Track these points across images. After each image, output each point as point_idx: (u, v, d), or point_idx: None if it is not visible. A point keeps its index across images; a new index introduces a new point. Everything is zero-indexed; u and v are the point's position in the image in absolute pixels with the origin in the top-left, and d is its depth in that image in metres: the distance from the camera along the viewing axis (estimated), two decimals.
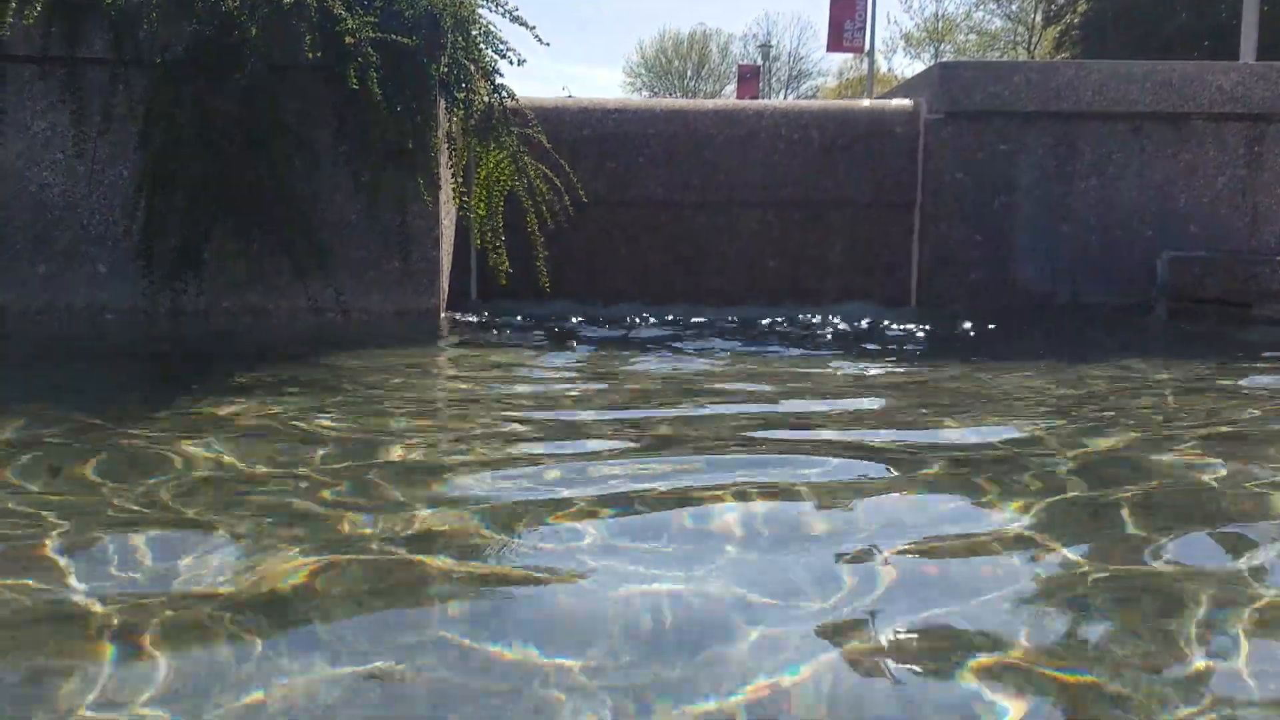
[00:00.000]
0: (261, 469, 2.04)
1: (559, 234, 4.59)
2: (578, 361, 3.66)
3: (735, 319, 4.87)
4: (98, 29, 4.12)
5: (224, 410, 2.57)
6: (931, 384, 3.25)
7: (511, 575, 1.49)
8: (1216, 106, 5.15)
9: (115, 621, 1.29)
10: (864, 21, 26.22)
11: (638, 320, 4.80)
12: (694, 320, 4.82)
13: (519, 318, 4.68)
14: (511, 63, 4.39)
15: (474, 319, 4.66)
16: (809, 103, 6.16)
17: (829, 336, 4.49)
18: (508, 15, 4.37)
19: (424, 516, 1.73)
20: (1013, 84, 5.18)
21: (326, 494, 1.86)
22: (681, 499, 1.82)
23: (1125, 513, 1.80)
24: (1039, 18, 39.54)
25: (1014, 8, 42.15)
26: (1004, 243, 5.25)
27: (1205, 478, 2.03)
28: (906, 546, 1.60)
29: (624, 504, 1.79)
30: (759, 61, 45.25)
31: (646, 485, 1.91)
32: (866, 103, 5.95)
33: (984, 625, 1.32)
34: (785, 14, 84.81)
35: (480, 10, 4.34)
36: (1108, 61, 5.31)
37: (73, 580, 1.44)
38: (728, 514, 1.75)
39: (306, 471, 2.01)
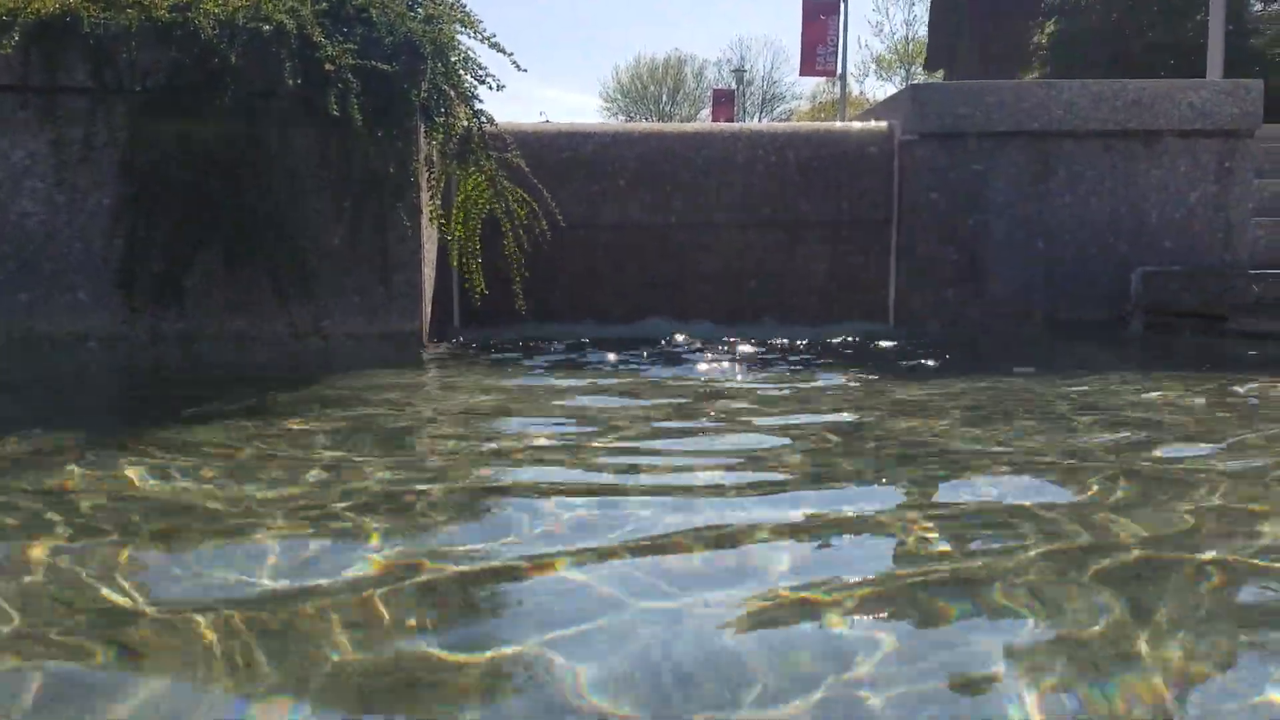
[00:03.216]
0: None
1: (542, 256, 4.61)
2: (559, 382, 3.67)
3: (716, 337, 4.89)
4: (77, 57, 4.12)
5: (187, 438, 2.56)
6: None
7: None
8: (1187, 123, 5.24)
9: None
10: (836, 46, 26.43)
11: (616, 339, 4.81)
12: (676, 339, 4.83)
13: (503, 339, 4.70)
14: (491, 88, 4.42)
15: (457, 342, 4.67)
16: (785, 125, 6.26)
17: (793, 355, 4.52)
18: (486, 42, 4.41)
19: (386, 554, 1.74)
20: (985, 105, 5.25)
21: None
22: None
23: None
24: None
25: None
26: (980, 260, 5.30)
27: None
28: None
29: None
30: (733, 86, 45.56)
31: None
32: (842, 125, 6.02)
33: None
34: (758, 39, 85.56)
35: (459, 37, 4.36)
36: (1078, 81, 5.39)
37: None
38: None
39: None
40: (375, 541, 1.72)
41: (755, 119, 48.10)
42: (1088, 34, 29.93)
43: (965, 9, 7.04)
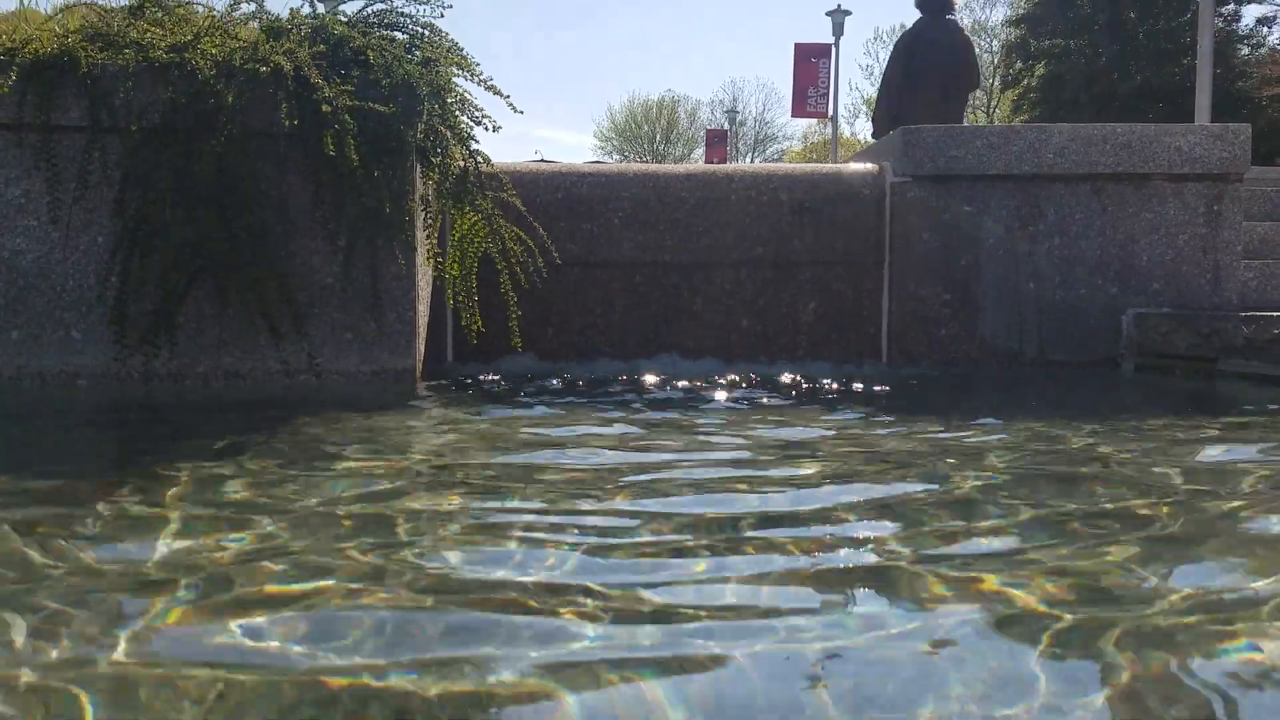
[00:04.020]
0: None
1: (535, 294, 4.63)
2: (558, 421, 3.67)
3: (709, 375, 4.88)
4: (73, 96, 4.14)
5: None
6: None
7: None
8: (1176, 167, 5.28)
9: None
10: (827, 88, 26.82)
11: (610, 377, 4.81)
12: (668, 377, 4.82)
13: (496, 377, 4.69)
14: (487, 129, 4.45)
15: (451, 379, 4.67)
16: (778, 166, 6.30)
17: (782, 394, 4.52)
18: (483, 84, 4.44)
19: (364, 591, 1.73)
20: (975, 148, 5.29)
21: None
22: None
23: None
24: (997, 82, 40.59)
25: None
26: (970, 301, 5.33)
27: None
28: None
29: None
30: (726, 126, 45.99)
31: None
32: (834, 166, 6.07)
33: None
34: (751, 81, 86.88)
35: (456, 79, 4.40)
36: (1068, 125, 5.44)
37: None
38: None
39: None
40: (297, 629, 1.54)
41: (748, 158, 48.53)
42: (1077, 76, 30.37)
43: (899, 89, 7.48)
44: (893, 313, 5.40)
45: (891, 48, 8.34)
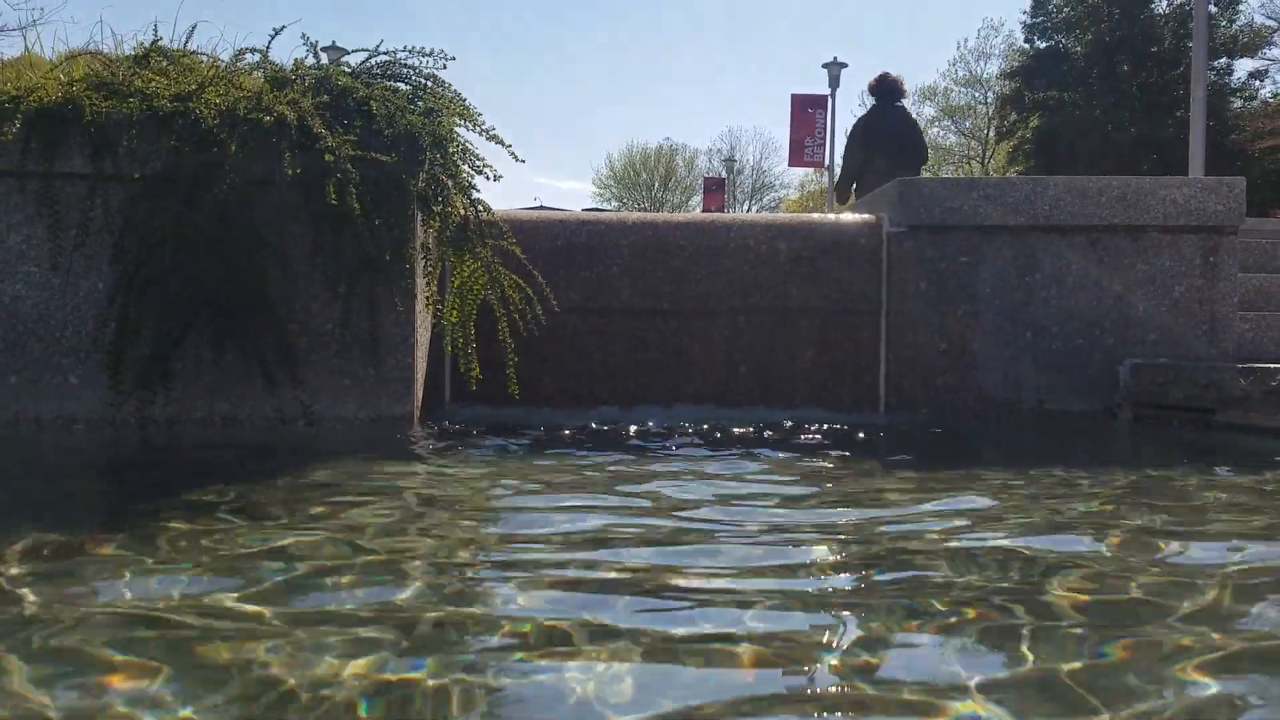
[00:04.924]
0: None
1: (534, 341, 4.63)
2: (554, 474, 3.65)
3: (706, 424, 4.88)
4: (77, 144, 4.17)
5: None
6: None
7: None
8: (1171, 219, 5.31)
9: None
10: (823, 138, 27.11)
11: (607, 425, 4.80)
12: (666, 424, 4.82)
13: (493, 424, 4.68)
14: (488, 178, 4.48)
15: (448, 426, 4.66)
16: (776, 216, 6.36)
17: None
18: (484, 134, 4.48)
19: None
20: (971, 199, 5.33)
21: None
22: None
23: None
24: (992, 133, 41.02)
25: (968, 125, 43.74)
26: (968, 350, 5.33)
27: None
28: None
29: None
30: (724, 174, 46.37)
31: None
32: (832, 217, 6.11)
33: None
34: (748, 130, 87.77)
35: (458, 129, 4.44)
36: (1064, 177, 5.48)
37: None
38: None
39: None
40: None
41: (745, 206, 48.90)
42: (1071, 128, 30.73)
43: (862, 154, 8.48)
44: (890, 361, 5.40)
45: (849, 132, 9.38)
